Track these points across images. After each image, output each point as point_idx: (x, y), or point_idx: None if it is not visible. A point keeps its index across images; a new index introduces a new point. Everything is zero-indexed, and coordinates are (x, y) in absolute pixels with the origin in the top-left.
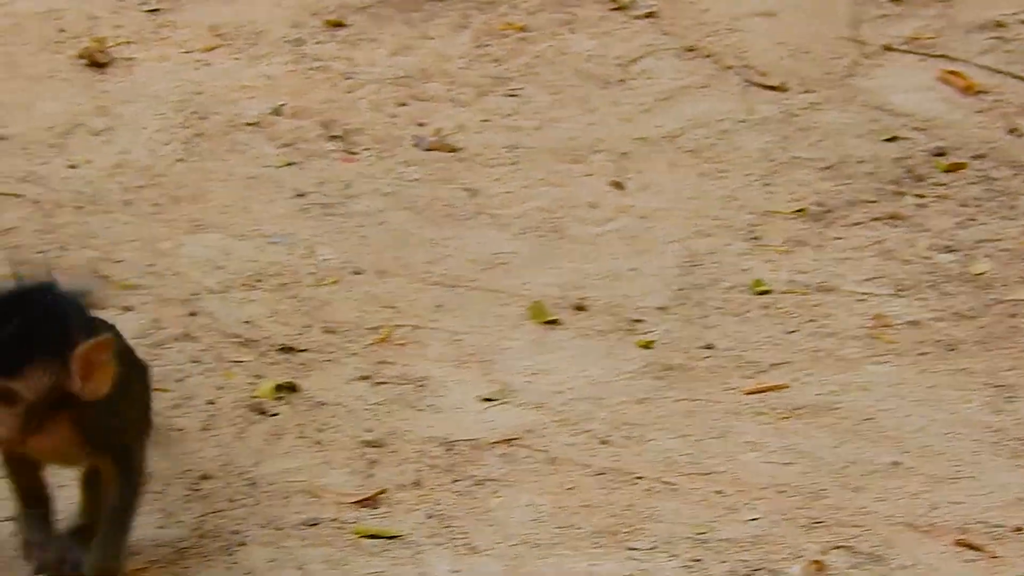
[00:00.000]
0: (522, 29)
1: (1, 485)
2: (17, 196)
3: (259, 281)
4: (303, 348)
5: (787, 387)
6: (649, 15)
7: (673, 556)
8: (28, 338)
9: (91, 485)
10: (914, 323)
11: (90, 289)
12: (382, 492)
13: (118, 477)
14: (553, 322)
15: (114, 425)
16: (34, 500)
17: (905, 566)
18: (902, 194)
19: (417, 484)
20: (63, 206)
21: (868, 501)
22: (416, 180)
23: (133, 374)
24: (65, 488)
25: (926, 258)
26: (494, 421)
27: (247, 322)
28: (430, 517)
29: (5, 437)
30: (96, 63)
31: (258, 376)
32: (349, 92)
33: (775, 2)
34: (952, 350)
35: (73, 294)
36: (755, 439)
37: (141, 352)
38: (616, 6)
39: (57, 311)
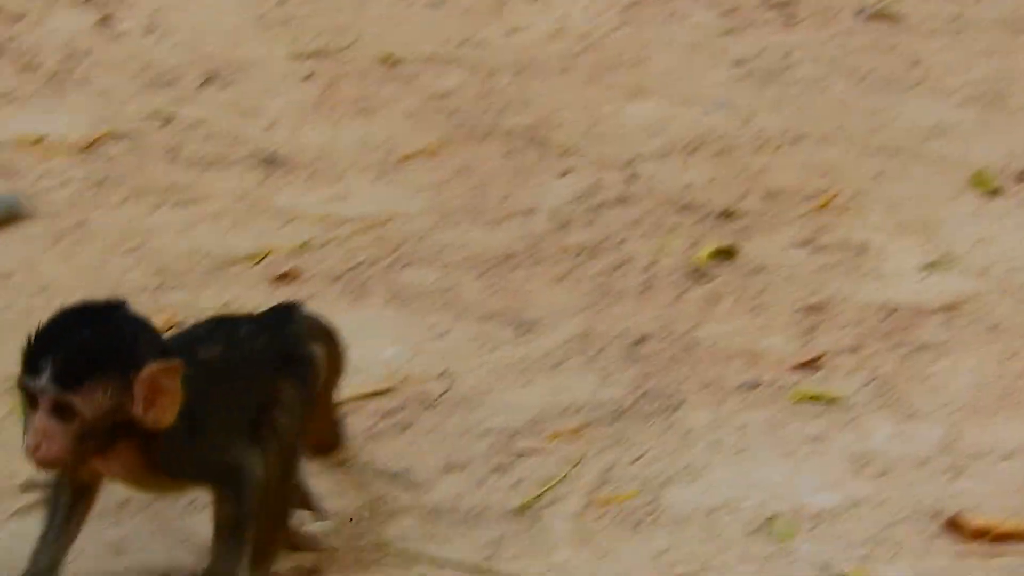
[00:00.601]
0: None
1: None
2: (455, 61)
3: (699, 147)
4: (742, 213)
5: None
6: None
7: None
8: (91, 353)
9: None
10: None
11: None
12: (821, 356)
13: (220, 496)
14: (996, 191)
15: (198, 451)
16: (63, 523)
17: None
18: None
19: (857, 349)
20: (501, 71)
21: None
22: (857, 49)
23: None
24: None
25: None
26: (935, 288)
27: (686, 187)
28: (870, 381)
29: (57, 456)
30: None
31: (696, 241)
32: None
33: None
34: None
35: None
36: None
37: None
38: None
39: (125, 329)
